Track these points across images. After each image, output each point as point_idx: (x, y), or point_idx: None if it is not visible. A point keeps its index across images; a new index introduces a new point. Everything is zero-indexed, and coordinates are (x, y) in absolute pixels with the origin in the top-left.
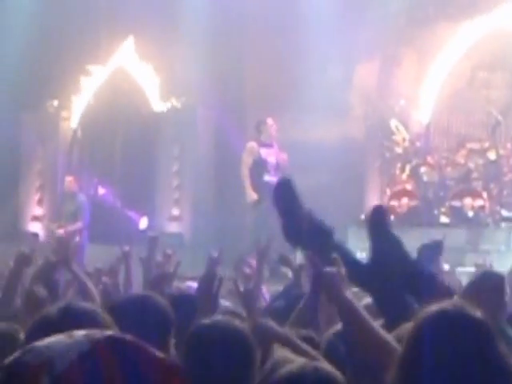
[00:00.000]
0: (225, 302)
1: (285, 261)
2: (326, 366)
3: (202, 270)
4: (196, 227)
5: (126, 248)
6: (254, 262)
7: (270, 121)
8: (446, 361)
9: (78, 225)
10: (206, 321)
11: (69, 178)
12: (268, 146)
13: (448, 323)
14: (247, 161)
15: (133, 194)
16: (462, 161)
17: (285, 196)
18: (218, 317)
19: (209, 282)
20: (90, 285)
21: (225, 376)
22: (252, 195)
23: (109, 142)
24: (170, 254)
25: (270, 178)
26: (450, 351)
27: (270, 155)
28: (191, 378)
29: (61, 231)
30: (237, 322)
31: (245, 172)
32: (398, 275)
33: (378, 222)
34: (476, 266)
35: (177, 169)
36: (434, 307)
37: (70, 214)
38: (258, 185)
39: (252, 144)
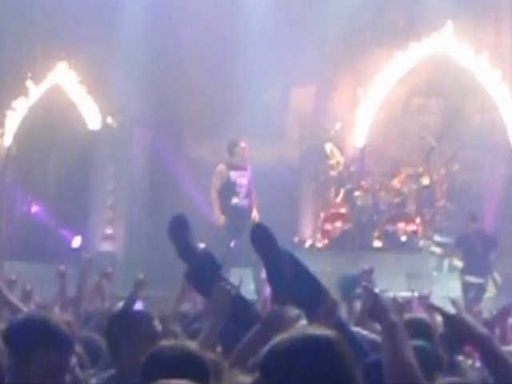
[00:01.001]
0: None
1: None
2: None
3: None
4: (129, 247)
5: (62, 267)
6: None
7: (242, 143)
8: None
9: None
10: (166, 343)
11: None
12: (239, 168)
13: (298, 349)
14: (216, 184)
15: (67, 212)
16: (396, 186)
17: (262, 243)
18: (176, 341)
19: (130, 303)
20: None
21: None
22: (219, 219)
23: (43, 159)
24: (109, 272)
25: (239, 201)
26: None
27: (241, 177)
28: None
29: None
30: (194, 346)
31: (213, 195)
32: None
33: (264, 242)
34: (420, 297)
35: (111, 188)
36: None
37: None
38: (225, 208)
39: (221, 167)
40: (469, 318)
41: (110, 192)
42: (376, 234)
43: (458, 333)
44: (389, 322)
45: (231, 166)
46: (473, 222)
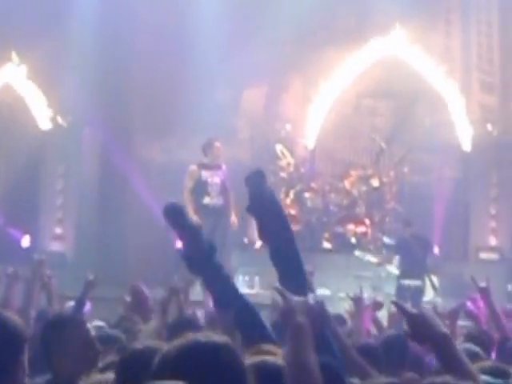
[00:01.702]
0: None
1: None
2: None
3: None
4: (79, 247)
5: (10, 269)
6: None
7: (217, 143)
8: None
9: None
10: (138, 346)
11: None
12: (212, 167)
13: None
14: (188, 184)
15: (16, 211)
16: (345, 187)
17: (254, 184)
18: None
19: (80, 304)
20: None
21: None
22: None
23: None
24: (49, 275)
25: (210, 200)
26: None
27: (213, 177)
28: None
29: None
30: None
31: (185, 196)
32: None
33: (256, 183)
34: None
35: (61, 187)
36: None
37: None
38: (198, 208)
39: (192, 167)
40: (431, 317)
41: (60, 192)
42: (326, 235)
43: (419, 331)
44: (294, 323)
45: (203, 166)
46: (407, 226)
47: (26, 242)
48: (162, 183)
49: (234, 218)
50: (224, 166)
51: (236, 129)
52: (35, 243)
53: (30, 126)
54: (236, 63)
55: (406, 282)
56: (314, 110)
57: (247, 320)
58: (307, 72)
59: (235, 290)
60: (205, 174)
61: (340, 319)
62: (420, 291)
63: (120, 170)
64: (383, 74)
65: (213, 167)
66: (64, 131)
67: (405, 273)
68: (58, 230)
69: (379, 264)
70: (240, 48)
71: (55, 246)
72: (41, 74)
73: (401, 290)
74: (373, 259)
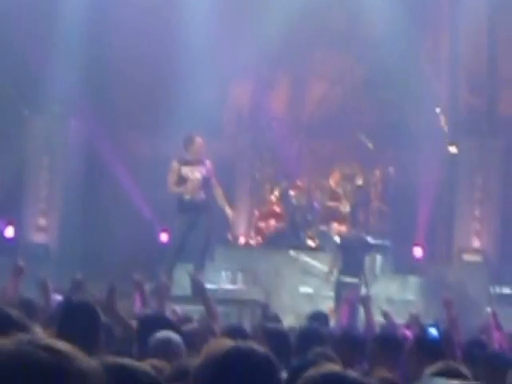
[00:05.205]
0: None
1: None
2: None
3: (67, 281)
4: (63, 239)
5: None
6: None
7: (197, 139)
8: None
9: None
10: None
11: None
12: (193, 163)
13: (238, 361)
14: (170, 180)
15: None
16: (331, 185)
17: None
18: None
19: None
20: None
21: None
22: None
23: None
24: (21, 265)
25: (190, 196)
26: None
27: (194, 172)
28: None
29: None
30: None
31: (172, 189)
32: None
33: None
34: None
35: (46, 179)
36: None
37: None
38: (179, 203)
39: (173, 163)
40: None
41: (45, 183)
42: (309, 233)
43: None
44: None
45: (183, 162)
46: (353, 227)
47: (9, 232)
48: (148, 177)
49: (228, 210)
50: (208, 162)
51: (222, 125)
52: (19, 234)
53: (14, 116)
54: (223, 59)
55: (345, 278)
56: (300, 108)
57: None
58: (294, 70)
59: None
60: (185, 169)
61: (323, 317)
62: (358, 287)
63: (106, 163)
64: (369, 71)
65: (193, 162)
66: (49, 122)
67: (344, 270)
68: (42, 222)
69: (328, 274)
70: (228, 44)
71: (39, 238)
72: (27, 62)
73: (338, 286)
74: (323, 267)
